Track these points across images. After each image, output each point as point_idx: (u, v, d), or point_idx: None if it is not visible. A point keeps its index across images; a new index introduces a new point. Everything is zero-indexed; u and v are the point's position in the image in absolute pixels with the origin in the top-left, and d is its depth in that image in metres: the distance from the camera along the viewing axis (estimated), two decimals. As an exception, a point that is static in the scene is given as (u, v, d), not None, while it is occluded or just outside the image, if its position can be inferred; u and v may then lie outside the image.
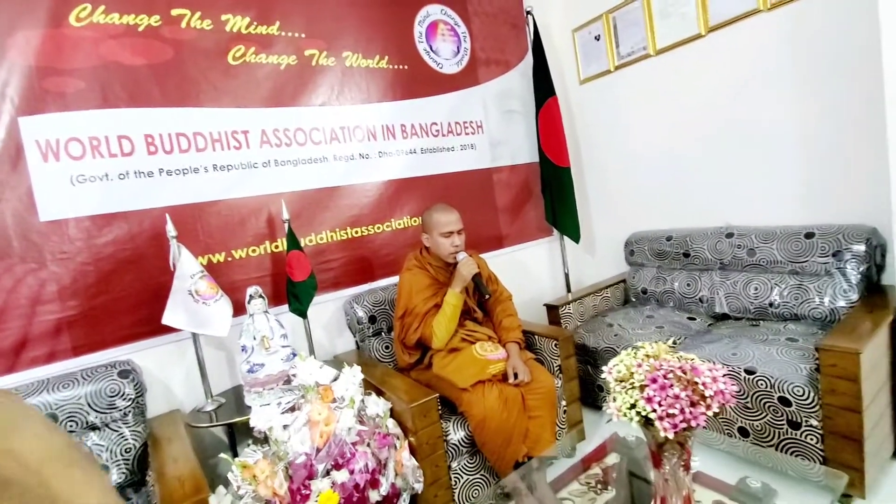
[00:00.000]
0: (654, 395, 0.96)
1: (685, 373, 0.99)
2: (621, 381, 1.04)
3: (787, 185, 2.10)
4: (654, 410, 0.95)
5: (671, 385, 0.97)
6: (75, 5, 1.63)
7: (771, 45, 2.03)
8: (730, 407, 0.99)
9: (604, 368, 1.08)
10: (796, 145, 2.04)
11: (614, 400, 1.03)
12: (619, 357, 1.08)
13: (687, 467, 1.05)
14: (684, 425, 0.94)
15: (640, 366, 1.03)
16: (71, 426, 1.45)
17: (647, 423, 0.99)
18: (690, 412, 0.95)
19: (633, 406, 0.99)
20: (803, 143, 2.02)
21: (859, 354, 1.38)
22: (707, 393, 0.95)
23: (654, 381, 0.98)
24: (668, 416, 0.95)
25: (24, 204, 1.56)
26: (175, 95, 1.80)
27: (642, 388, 1.00)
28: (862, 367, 1.38)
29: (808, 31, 1.92)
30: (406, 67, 2.38)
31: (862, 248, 1.78)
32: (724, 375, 0.99)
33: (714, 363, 1.00)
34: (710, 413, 0.95)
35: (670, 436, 0.95)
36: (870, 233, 1.80)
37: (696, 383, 0.97)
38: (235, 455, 1.62)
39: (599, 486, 1.29)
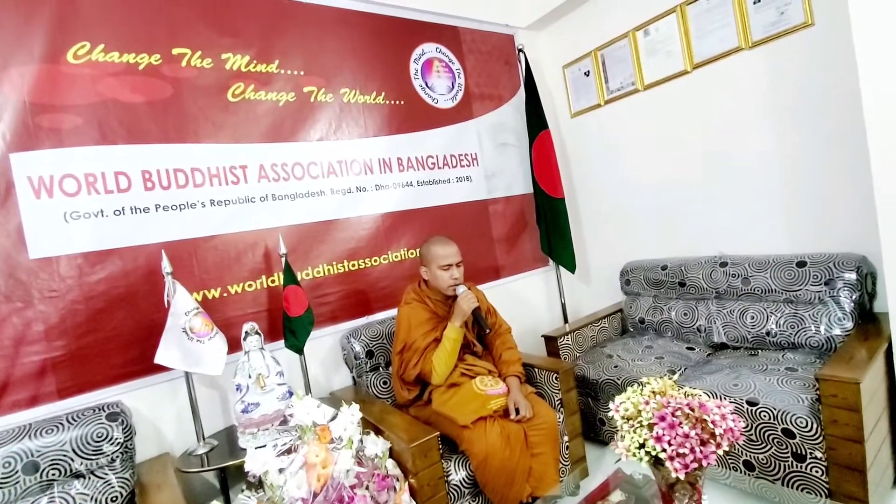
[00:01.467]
0: (664, 434, 0.94)
1: (693, 410, 0.98)
2: (629, 420, 1.03)
3: (775, 214, 2.15)
4: (664, 450, 0.94)
5: (680, 423, 0.96)
6: (73, 43, 1.64)
7: (754, 81, 2.12)
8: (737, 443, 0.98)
9: (610, 406, 1.07)
10: (782, 176, 2.10)
11: (622, 439, 1.01)
12: (626, 394, 1.07)
13: (699, 508, 1.03)
14: (695, 465, 0.93)
15: (647, 403, 1.01)
16: (54, 474, 1.38)
17: (656, 462, 0.97)
18: (701, 451, 0.93)
19: (641, 445, 0.98)
20: (789, 174, 2.08)
21: (859, 384, 1.38)
22: (717, 431, 0.93)
23: (662, 418, 0.97)
24: (679, 455, 0.93)
25: (13, 241, 1.53)
26: (174, 132, 1.81)
27: (651, 426, 0.98)
28: (862, 397, 1.38)
29: (789, 67, 2.00)
30: (402, 103, 2.44)
31: (853, 276, 1.81)
32: (732, 412, 0.98)
33: (719, 397, 0.99)
34: (720, 452, 0.94)
35: (681, 476, 0.93)
36: (860, 261, 1.83)
37: (705, 420, 0.95)
38: (228, 501, 1.55)
39: (607, 526, 1.25)
